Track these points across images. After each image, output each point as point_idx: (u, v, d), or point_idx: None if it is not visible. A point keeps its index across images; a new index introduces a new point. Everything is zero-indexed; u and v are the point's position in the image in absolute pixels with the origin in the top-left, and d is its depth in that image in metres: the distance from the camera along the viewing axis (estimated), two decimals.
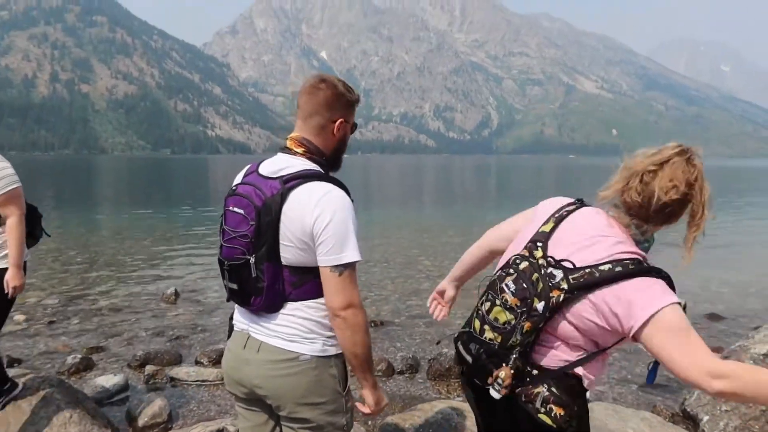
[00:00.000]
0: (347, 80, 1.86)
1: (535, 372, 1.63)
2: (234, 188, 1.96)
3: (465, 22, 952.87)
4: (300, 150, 1.94)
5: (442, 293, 2.20)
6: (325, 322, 1.87)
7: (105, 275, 9.18)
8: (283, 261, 1.83)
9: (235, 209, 1.89)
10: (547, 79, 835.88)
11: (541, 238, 1.70)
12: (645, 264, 1.59)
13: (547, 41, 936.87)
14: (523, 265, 1.64)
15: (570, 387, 1.64)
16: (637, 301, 1.51)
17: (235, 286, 1.89)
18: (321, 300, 1.86)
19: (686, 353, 1.45)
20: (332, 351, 1.90)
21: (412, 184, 47.20)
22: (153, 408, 3.96)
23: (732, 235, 15.01)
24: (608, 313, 1.55)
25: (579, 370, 1.66)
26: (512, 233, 1.89)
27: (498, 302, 1.62)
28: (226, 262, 1.91)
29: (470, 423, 3.57)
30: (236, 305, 2.03)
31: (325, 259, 1.78)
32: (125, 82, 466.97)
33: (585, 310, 1.58)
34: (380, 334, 6.19)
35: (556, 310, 1.57)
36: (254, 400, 1.99)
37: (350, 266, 1.80)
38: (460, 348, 1.77)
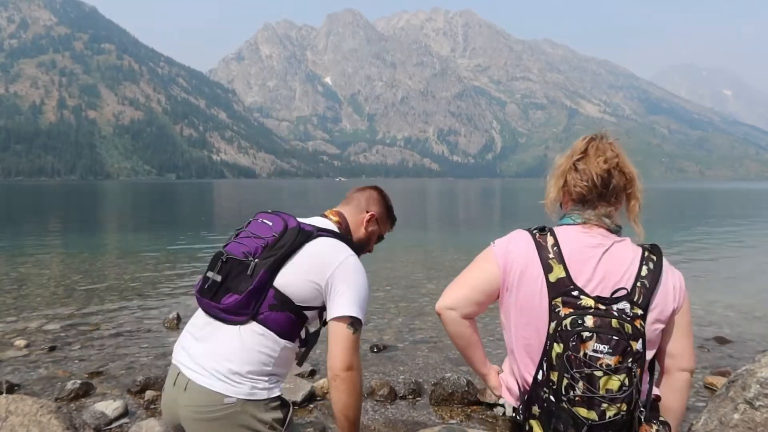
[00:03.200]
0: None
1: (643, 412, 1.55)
2: (269, 210, 2.04)
3: (468, 47, 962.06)
4: (335, 219, 2.07)
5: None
6: (266, 364, 1.82)
7: (107, 300, 9.15)
8: (276, 281, 1.83)
9: (264, 221, 1.95)
10: (550, 104, 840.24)
11: (569, 285, 1.59)
12: (656, 247, 1.68)
13: (549, 66, 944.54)
14: (589, 321, 1.51)
15: (658, 410, 1.65)
16: (678, 283, 1.65)
17: (218, 278, 1.86)
18: (280, 339, 1.84)
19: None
20: (263, 395, 1.80)
21: (417, 207, 47.22)
22: None
23: (737, 259, 14.93)
24: (670, 307, 1.63)
25: (656, 390, 1.67)
26: (482, 296, 1.72)
27: (598, 373, 1.46)
28: (225, 255, 1.89)
29: None
30: (186, 329, 1.98)
31: (342, 309, 1.80)
32: (132, 107, 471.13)
33: (654, 321, 1.59)
34: (383, 359, 6.13)
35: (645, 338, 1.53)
36: None
37: (359, 327, 1.83)
38: None
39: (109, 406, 4.46)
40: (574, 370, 1.47)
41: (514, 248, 1.69)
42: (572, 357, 1.48)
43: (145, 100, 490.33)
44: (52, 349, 6.34)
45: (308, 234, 1.90)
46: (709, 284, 11.02)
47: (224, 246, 1.95)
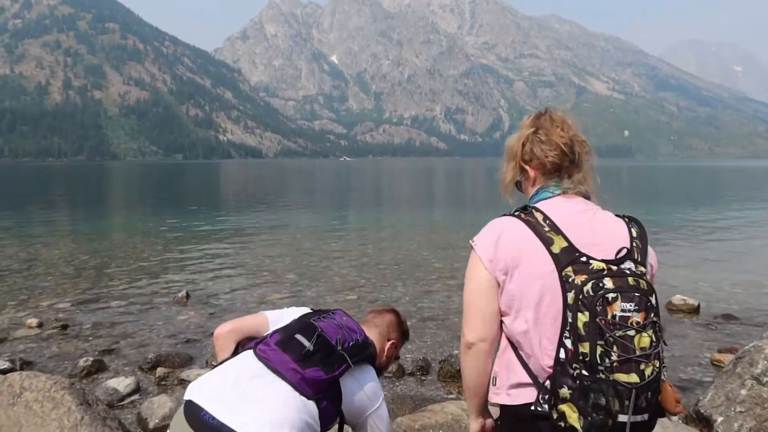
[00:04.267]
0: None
1: None
2: (346, 313, 2.29)
3: (475, 25, 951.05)
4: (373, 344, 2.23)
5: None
6: None
7: (117, 279, 9.22)
8: (342, 381, 2.01)
9: (348, 321, 2.21)
10: (558, 81, 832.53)
11: (575, 253, 1.55)
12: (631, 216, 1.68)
13: (557, 43, 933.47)
14: (609, 282, 1.47)
15: None
16: (651, 250, 1.66)
17: (310, 348, 1.97)
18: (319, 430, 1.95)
19: None
20: None
21: (423, 186, 47.16)
22: (164, 410, 3.97)
23: (745, 236, 14.86)
24: (654, 267, 1.67)
25: None
26: (494, 305, 1.66)
27: (631, 332, 1.43)
28: (320, 330, 2.03)
29: None
30: (222, 377, 1.97)
31: None
32: (137, 88, 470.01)
33: (650, 279, 1.61)
34: None
35: None
36: None
37: None
38: (625, 413, 1.45)
39: (121, 383, 4.55)
40: (607, 335, 1.43)
41: (504, 237, 1.63)
42: (602, 322, 1.43)
43: (151, 79, 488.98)
44: (64, 327, 6.42)
45: (372, 359, 2.15)
46: (716, 262, 11.01)
47: (314, 319, 2.09)
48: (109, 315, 6.99)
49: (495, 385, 1.68)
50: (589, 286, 1.47)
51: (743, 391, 3.51)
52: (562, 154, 1.67)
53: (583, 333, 1.44)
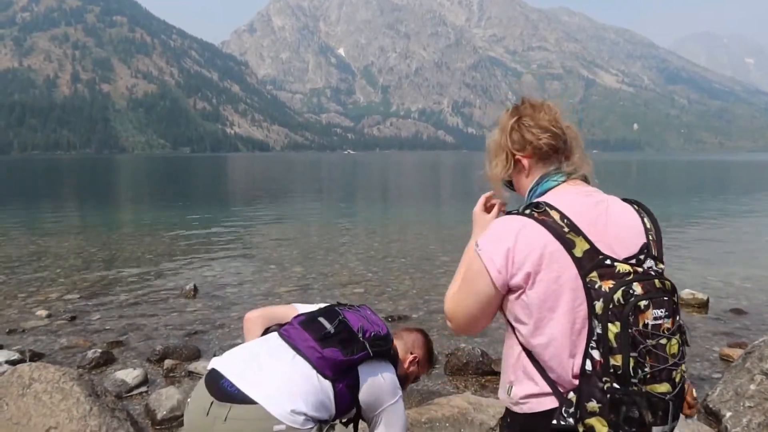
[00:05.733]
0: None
1: None
2: (370, 309, 2.32)
3: (483, 17, 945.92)
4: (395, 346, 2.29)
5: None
6: (322, 413, 1.97)
7: (125, 271, 9.27)
8: (359, 369, 2.05)
9: (371, 315, 2.24)
10: (567, 74, 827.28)
11: (598, 256, 1.42)
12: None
13: (566, 35, 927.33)
14: (638, 288, 1.36)
15: None
16: None
17: (331, 330, 2.04)
18: (333, 410, 2.02)
19: None
20: (308, 425, 1.92)
21: (430, 180, 47.10)
22: (171, 401, 4.00)
23: (755, 231, 14.76)
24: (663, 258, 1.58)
25: None
26: (486, 319, 1.60)
27: (663, 341, 1.35)
28: (342, 316, 2.10)
29: (486, 417, 3.59)
30: (246, 352, 2.07)
31: None
32: (145, 81, 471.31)
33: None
34: (398, 329, 6.16)
35: None
36: None
37: None
38: (658, 424, 1.37)
39: (129, 374, 4.58)
40: (641, 347, 1.33)
41: (520, 243, 1.46)
42: (635, 332, 1.33)
43: (158, 73, 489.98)
44: (73, 319, 6.46)
45: (392, 357, 2.17)
46: (726, 256, 10.93)
47: (339, 308, 2.17)
48: (117, 307, 7.02)
49: (510, 395, 1.57)
50: (619, 294, 1.35)
51: (752, 386, 3.49)
52: (554, 135, 1.56)
53: (614, 345, 1.34)
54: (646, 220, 1.54)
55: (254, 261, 10.35)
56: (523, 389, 1.53)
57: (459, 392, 4.50)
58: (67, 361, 5.12)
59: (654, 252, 1.48)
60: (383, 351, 2.09)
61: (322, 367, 1.96)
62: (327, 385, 1.95)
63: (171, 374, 4.84)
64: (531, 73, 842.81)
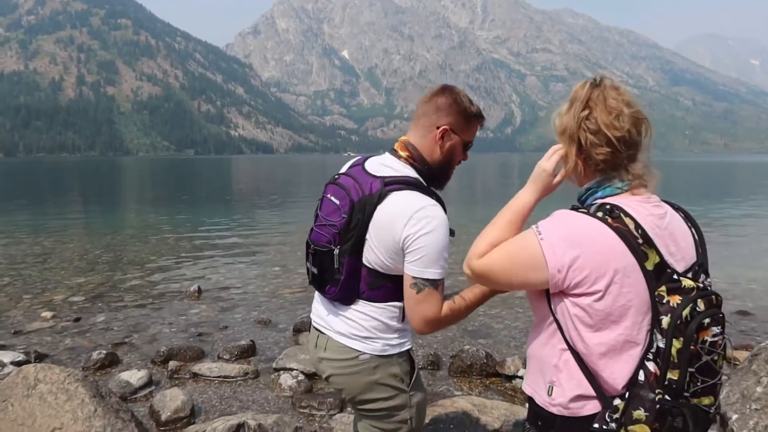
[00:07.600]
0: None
1: None
2: (336, 177, 1.95)
3: (487, 19, 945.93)
4: (404, 154, 1.91)
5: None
6: (392, 324, 1.90)
7: (129, 273, 9.29)
8: (364, 260, 1.84)
9: (332, 198, 1.89)
10: (571, 75, 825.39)
11: (667, 270, 1.39)
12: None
13: (570, 37, 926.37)
14: (701, 306, 1.35)
15: None
16: None
17: (315, 271, 1.94)
18: (392, 303, 1.89)
19: None
20: (394, 351, 1.92)
21: None
22: (176, 403, 4.01)
23: (761, 232, 14.70)
24: None
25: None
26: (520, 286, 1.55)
27: (715, 357, 1.35)
28: (312, 246, 1.94)
29: (491, 419, 3.57)
30: (315, 298, 2.10)
31: (409, 268, 1.78)
32: (149, 83, 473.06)
33: None
34: None
35: None
36: None
37: (431, 283, 1.78)
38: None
39: (134, 376, 4.59)
40: (699, 363, 1.33)
41: (592, 247, 1.39)
42: (695, 348, 1.32)
43: (163, 75, 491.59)
44: (77, 320, 6.48)
45: (376, 198, 1.79)
46: (732, 258, 10.87)
47: (309, 235, 1.98)
48: (122, 308, 7.04)
49: (551, 395, 1.52)
50: (687, 311, 1.33)
51: (759, 389, 3.48)
52: (614, 152, 1.44)
53: (675, 360, 1.33)
54: (694, 230, 1.52)
55: (258, 263, 10.36)
56: (568, 391, 1.48)
57: (463, 394, 4.46)
58: (71, 362, 5.13)
59: (707, 265, 1.47)
60: (360, 234, 1.82)
61: (340, 302, 1.94)
62: (361, 305, 1.91)
63: (175, 375, 4.83)
64: (535, 74, 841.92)
